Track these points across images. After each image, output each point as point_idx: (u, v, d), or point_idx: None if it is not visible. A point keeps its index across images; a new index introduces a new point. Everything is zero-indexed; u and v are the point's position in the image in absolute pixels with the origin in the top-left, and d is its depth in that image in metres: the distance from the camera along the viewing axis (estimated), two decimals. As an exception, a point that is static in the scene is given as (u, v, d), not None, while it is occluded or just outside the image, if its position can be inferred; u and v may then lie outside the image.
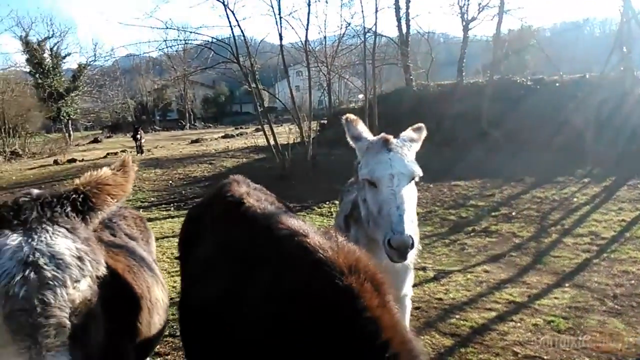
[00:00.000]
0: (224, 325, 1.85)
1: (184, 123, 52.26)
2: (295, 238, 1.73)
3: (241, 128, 40.04)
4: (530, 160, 12.76)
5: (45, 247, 1.45)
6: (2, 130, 29.44)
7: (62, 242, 1.49)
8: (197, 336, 2.15)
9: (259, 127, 24.96)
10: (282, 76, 23.46)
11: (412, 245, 2.38)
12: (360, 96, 24.97)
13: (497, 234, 7.99)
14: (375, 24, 14.99)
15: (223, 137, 32.52)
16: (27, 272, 1.39)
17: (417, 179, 2.66)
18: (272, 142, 14.84)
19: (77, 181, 1.75)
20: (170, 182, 15.16)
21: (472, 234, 8.13)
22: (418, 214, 9.21)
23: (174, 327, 4.33)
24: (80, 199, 1.66)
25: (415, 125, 2.93)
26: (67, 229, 1.54)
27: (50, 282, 1.40)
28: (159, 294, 2.71)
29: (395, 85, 22.80)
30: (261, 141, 20.66)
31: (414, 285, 5.65)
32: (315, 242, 1.66)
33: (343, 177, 4.79)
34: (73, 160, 22.62)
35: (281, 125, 25.43)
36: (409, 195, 2.56)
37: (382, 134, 2.78)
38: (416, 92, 18.40)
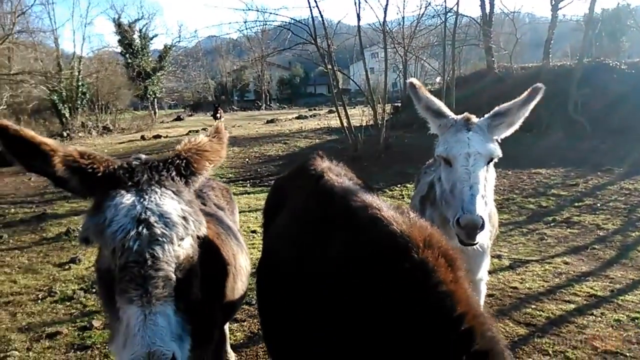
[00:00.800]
0: (293, 289, 1.92)
1: (260, 103, 53.59)
2: (369, 210, 1.75)
3: (314, 109, 40.39)
4: (620, 149, 11.89)
5: (155, 206, 1.62)
6: (96, 106, 31.85)
7: (169, 202, 1.65)
8: (269, 298, 2.27)
9: (332, 109, 25.11)
10: (358, 58, 23.21)
11: (482, 227, 2.32)
12: (438, 79, 24.24)
13: (580, 225, 7.57)
14: (457, 4, 14.35)
15: (297, 117, 33.02)
16: (140, 228, 1.56)
17: (496, 160, 2.59)
18: (345, 123, 14.90)
19: (178, 147, 1.90)
20: (247, 160, 15.73)
21: (552, 224, 7.77)
22: (495, 200, 8.93)
23: (250, 295, 4.57)
24: (183, 164, 1.82)
25: (522, 112, 2.70)
26: (173, 191, 1.70)
27: (160, 239, 1.57)
28: (242, 261, 2.89)
29: (475, 67, 21.88)
30: (334, 123, 20.80)
31: (488, 273, 5.57)
32: (389, 215, 1.68)
33: (415, 161, 4.79)
34: (158, 137, 24.05)
35: (354, 107, 25.34)
36: (485, 176, 2.51)
37: (465, 113, 2.73)
38: (498, 74, 17.59)
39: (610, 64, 16.20)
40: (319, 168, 2.50)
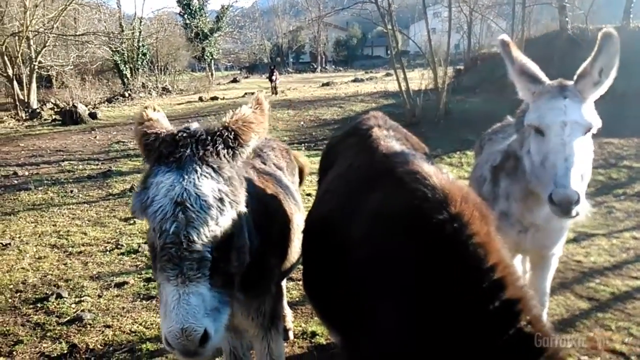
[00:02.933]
0: (334, 237, 2.01)
1: (315, 66, 53.18)
2: (409, 166, 1.82)
3: (371, 72, 39.59)
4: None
5: (193, 188, 1.65)
6: (155, 67, 32.76)
7: (207, 184, 1.68)
8: (311, 247, 2.36)
9: (390, 72, 24.46)
10: (419, 17, 22.44)
11: (577, 202, 2.16)
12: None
13: (653, 199, 7.13)
14: (529, -42, 13.45)
15: (353, 80, 32.55)
16: (177, 211, 1.62)
17: (594, 130, 2.38)
18: (403, 87, 14.52)
19: (225, 119, 1.91)
20: (302, 123, 15.78)
21: (621, 197, 7.37)
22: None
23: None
24: (231, 136, 1.84)
25: (599, 64, 2.37)
26: (214, 168, 1.73)
27: (195, 222, 1.62)
28: (299, 220, 2.95)
29: (547, 28, 20.43)
30: (391, 86, 20.36)
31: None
32: (430, 171, 1.74)
33: (477, 127, 4.60)
34: (215, 98, 24.52)
35: (412, 70, 24.62)
36: (582, 148, 2.31)
37: (560, 79, 2.51)
38: (571, 36, 16.37)
39: (701, 25, 14.70)
40: (369, 128, 2.52)
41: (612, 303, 4.10)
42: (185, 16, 39.93)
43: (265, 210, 2.48)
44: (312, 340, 3.74)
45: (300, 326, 3.94)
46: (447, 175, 1.79)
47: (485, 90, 18.26)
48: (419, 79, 17.26)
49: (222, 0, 51.69)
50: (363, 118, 2.79)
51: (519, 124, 2.76)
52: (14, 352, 3.66)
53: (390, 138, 2.38)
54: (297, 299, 4.45)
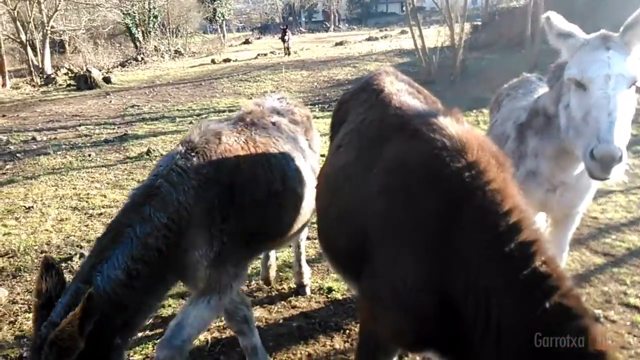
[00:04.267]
0: (351, 191, 2.08)
1: (328, 25, 52.01)
2: (425, 117, 1.85)
3: (385, 30, 38.64)
4: None
5: None
6: (167, 30, 32.42)
7: None
8: (327, 201, 2.39)
9: (405, 29, 23.82)
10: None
11: (620, 159, 2.03)
12: (522, -6, 22.11)
13: (674, 156, 6.98)
14: None
15: (367, 39, 31.83)
16: None
17: (639, 84, 2.23)
18: (419, 44, 14.18)
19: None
20: (315, 84, 15.61)
21: (641, 154, 7.22)
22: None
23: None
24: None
25: None
26: None
27: None
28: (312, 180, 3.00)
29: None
30: (406, 44, 19.91)
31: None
32: (446, 121, 1.77)
33: (494, 85, 4.47)
34: (228, 60, 24.26)
35: (428, 28, 23.94)
36: (626, 102, 2.18)
37: (602, 31, 2.35)
38: (594, -12, 15.73)
39: None
40: (382, 83, 2.50)
41: (627, 258, 4.10)
42: (196, -24, 39.08)
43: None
44: (329, 296, 3.83)
45: (317, 282, 4.03)
46: (464, 124, 1.80)
47: (503, 46, 17.76)
48: (435, 36, 16.79)
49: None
50: (374, 73, 2.75)
51: (552, 79, 2.64)
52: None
53: (402, 92, 2.37)
54: (313, 257, 4.53)
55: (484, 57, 16.14)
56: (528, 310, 1.31)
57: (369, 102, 2.44)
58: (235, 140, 2.59)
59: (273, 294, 3.91)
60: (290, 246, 3.98)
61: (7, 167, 7.84)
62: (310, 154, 3.23)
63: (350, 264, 2.06)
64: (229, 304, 2.59)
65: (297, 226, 2.90)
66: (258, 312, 3.57)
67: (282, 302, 3.78)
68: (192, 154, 2.37)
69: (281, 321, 3.49)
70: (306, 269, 3.88)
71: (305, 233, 3.72)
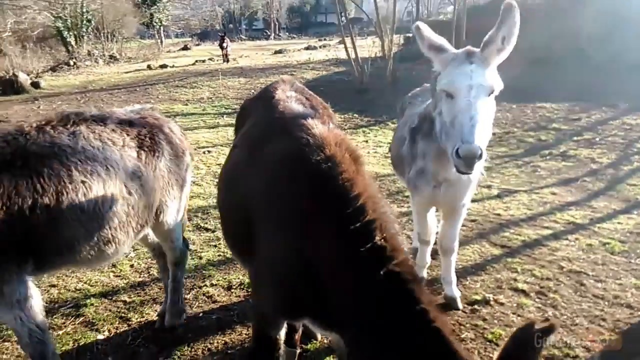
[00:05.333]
0: (239, 183, 2.35)
1: (268, 33, 52.23)
2: (299, 120, 2.15)
3: (324, 40, 39.38)
4: (632, 85, 11.67)
5: None
6: (102, 34, 31.35)
7: None
8: (222, 198, 2.69)
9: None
10: (370, -16, 22.35)
11: (480, 156, 2.39)
12: (450, 8, 23.35)
13: (575, 158, 7.72)
14: None
15: (306, 48, 32.31)
16: None
17: (496, 92, 2.61)
18: (352, 55, 14.69)
19: None
20: (252, 91, 15.72)
21: (547, 157, 7.92)
22: (495, 134, 8.99)
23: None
24: None
25: (501, 33, 2.55)
26: None
27: None
28: None
29: (491, -4, 20.99)
30: (343, 54, 20.43)
31: (475, 201, 5.84)
32: (313, 123, 2.09)
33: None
34: (164, 66, 23.85)
35: (365, 38, 24.73)
36: (486, 108, 2.54)
37: (467, 47, 2.71)
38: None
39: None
40: (275, 91, 2.78)
41: (521, 249, 4.56)
42: (131, -20, 38.05)
43: None
44: (249, 290, 3.96)
45: (239, 278, 4.13)
46: (329, 125, 2.13)
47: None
48: (370, 46, 17.43)
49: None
50: (273, 83, 3.01)
51: (433, 89, 3.01)
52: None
53: (290, 99, 2.64)
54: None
55: (415, 67, 16.92)
56: (368, 278, 1.58)
57: (262, 107, 2.70)
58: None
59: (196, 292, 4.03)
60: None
61: None
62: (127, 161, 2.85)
63: (244, 249, 2.28)
64: None
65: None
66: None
67: (203, 297, 3.92)
68: None
69: (201, 314, 3.64)
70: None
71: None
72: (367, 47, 17.78)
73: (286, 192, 1.95)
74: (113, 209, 2.63)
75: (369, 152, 8.74)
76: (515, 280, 3.98)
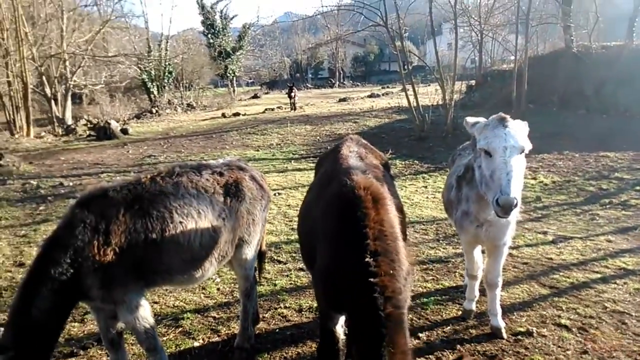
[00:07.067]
0: (310, 218, 3.21)
1: (333, 81, 54.39)
2: (347, 171, 3.03)
3: (387, 87, 40.60)
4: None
5: None
6: (180, 84, 34.31)
7: None
8: (300, 223, 3.62)
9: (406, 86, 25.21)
10: (438, 31, 23.23)
11: (516, 205, 2.98)
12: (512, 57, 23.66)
13: (635, 208, 7.79)
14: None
15: (369, 96, 33.49)
16: None
17: (526, 151, 3.22)
18: (413, 103, 15.37)
19: None
20: (318, 137, 16.73)
21: (607, 206, 8.01)
22: (555, 182, 9.25)
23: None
24: None
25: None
26: None
27: None
28: None
29: (554, 46, 21.17)
30: (405, 102, 21.20)
31: (529, 246, 6.19)
32: (355, 173, 2.94)
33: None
34: (237, 114, 25.69)
35: (428, 85, 25.45)
36: (518, 164, 3.13)
37: (500, 113, 3.37)
38: (575, 54, 17.09)
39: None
40: (343, 147, 3.66)
41: (568, 290, 4.86)
42: (209, 35, 41.50)
43: None
44: (317, 313, 4.57)
45: (308, 303, 4.78)
46: (367, 176, 2.96)
47: (493, 105, 18.95)
48: (433, 94, 18.06)
49: (244, 19, 53.33)
50: (343, 140, 3.90)
51: (473, 145, 3.63)
52: (85, 319, 4.66)
53: (352, 155, 3.50)
54: (306, 284, 5.32)
55: (476, 115, 17.25)
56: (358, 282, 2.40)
57: (331, 160, 3.57)
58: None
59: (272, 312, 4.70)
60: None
61: (41, 208, 8.78)
62: (217, 205, 3.61)
63: (313, 263, 3.01)
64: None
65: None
66: (260, 324, 4.39)
67: (279, 316, 4.60)
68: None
69: (277, 330, 4.30)
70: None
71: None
72: (429, 94, 18.42)
73: (329, 218, 2.82)
74: (201, 243, 3.42)
75: (427, 197, 9.23)
76: (559, 316, 4.32)
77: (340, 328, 2.89)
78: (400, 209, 3.15)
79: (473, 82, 24.02)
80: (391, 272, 2.38)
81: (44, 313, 2.77)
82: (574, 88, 15.88)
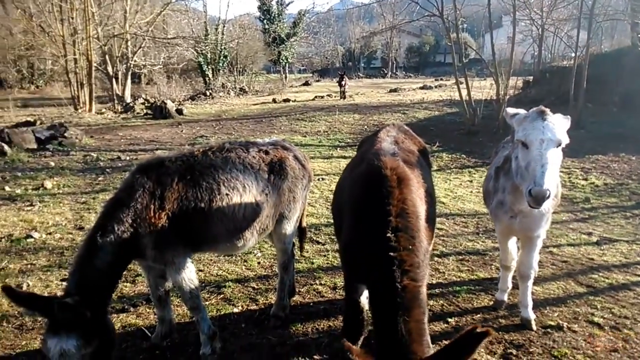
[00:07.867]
0: (342, 193, 3.44)
1: (385, 71, 53.96)
2: (378, 152, 3.20)
3: (441, 80, 39.84)
4: None
5: None
6: (234, 69, 35.13)
7: None
8: (335, 197, 3.85)
9: (460, 79, 24.73)
10: (497, 24, 22.61)
11: (548, 197, 3.04)
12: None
13: (691, 215, 7.47)
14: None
15: (421, 87, 33.08)
16: None
17: (563, 145, 3.24)
18: (465, 97, 15.14)
19: None
20: (365, 127, 16.79)
21: (660, 212, 7.74)
22: (607, 184, 9.06)
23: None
24: None
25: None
26: None
27: None
28: None
29: (618, 43, 20.12)
30: (457, 95, 20.89)
31: (572, 245, 6.11)
32: (384, 155, 3.10)
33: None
34: (287, 100, 26.12)
35: (484, 79, 24.89)
36: (554, 157, 3.17)
37: (540, 106, 3.41)
38: (641, 52, 16.24)
39: None
40: (382, 131, 3.87)
41: (606, 290, 4.80)
42: (265, 21, 42.09)
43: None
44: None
45: (342, 282, 4.99)
46: (396, 158, 3.13)
47: (550, 103, 18.32)
48: (489, 88, 17.68)
49: (300, 6, 53.63)
50: (384, 125, 4.12)
51: (512, 137, 3.68)
52: (136, 281, 5.06)
53: (388, 138, 3.65)
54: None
55: (530, 112, 16.77)
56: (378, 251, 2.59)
57: (368, 142, 3.83)
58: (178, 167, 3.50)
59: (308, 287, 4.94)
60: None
61: (100, 178, 9.41)
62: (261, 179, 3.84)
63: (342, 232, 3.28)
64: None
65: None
66: (296, 297, 4.63)
67: (314, 292, 4.84)
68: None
69: (311, 304, 4.53)
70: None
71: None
72: (483, 88, 18.06)
73: (356, 194, 3.03)
74: (244, 215, 3.67)
75: (471, 191, 9.19)
76: (592, 314, 4.30)
77: (364, 299, 3.03)
78: (430, 193, 3.26)
79: (531, 78, 23.28)
80: (410, 247, 2.53)
81: (105, 264, 3.08)
82: (637, 88, 15.11)
